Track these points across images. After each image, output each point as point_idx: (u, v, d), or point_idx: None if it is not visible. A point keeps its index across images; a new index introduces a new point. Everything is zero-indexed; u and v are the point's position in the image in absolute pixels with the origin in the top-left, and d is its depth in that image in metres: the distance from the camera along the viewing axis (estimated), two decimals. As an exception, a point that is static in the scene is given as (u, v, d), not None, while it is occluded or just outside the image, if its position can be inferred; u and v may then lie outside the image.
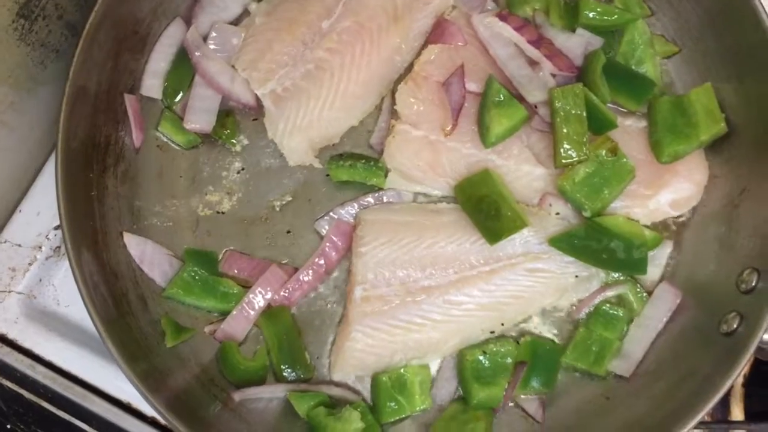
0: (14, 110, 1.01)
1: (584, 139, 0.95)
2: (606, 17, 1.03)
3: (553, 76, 1.01)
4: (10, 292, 1.05)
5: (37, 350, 1.03)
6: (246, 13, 1.06)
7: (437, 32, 1.04)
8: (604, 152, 0.95)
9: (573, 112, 0.96)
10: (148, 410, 1.00)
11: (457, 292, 0.96)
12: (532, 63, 1.02)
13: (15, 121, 1.02)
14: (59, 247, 1.06)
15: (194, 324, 0.99)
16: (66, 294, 1.06)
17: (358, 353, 0.95)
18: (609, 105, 1.01)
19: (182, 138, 1.03)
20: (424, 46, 1.05)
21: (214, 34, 1.04)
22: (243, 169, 1.04)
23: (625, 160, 0.96)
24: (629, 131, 1.01)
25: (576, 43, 1.03)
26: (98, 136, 0.97)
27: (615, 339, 0.96)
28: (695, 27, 1.03)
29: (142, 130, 1.02)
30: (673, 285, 0.98)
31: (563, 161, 0.95)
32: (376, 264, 0.96)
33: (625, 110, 1.03)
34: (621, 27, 1.04)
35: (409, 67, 1.04)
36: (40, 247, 1.07)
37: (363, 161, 1.01)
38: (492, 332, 0.98)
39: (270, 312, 0.98)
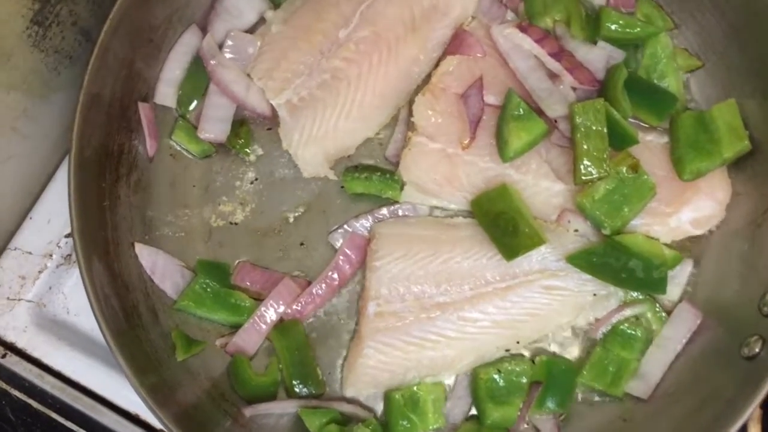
0: (27, 117, 1.00)
1: (605, 156, 0.93)
2: (628, 30, 1.01)
3: (574, 89, 0.99)
4: (19, 300, 1.04)
5: (46, 360, 1.02)
6: (262, 20, 1.05)
7: (456, 43, 1.03)
8: (624, 169, 0.93)
9: (593, 128, 0.94)
10: (157, 422, 0.97)
11: (472, 308, 0.95)
12: (553, 76, 1.00)
13: (28, 128, 1.02)
14: (70, 255, 1.05)
15: (205, 337, 0.98)
16: (76, 303, 1.05)
17: (371, 370, 0.94)
18: (630, 120, 0.99)
19: (196, 147, 1.02)
20: (442, 57, 1.03)
21: (229, 42, 1.02)
22: (257, 179, 1.03)
23: (646, 177, 0.94)
24: (650, 147, 0.99)
25: (597, 56, 1.01)
26: (111, 145, 0.96)
27: (633, 359, 0.95)
28: (719, 41, 1.01)
29: (156, 138, 1.01)
30: (693, 305, 0.96)
31: (583, 178, 0.93)
32: (390, 279, 0.95)
33: (646, 125, 1.01)
34: (643, 40, 1.02)
35: (427, 79, 1.03)
36: (51, 255, 1.05)
37: (378, 174, 1.00)
38: (507, 350, 0.96)
39: (282, 326, 0.97)
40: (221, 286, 0.98)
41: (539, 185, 0.98)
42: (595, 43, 1.02)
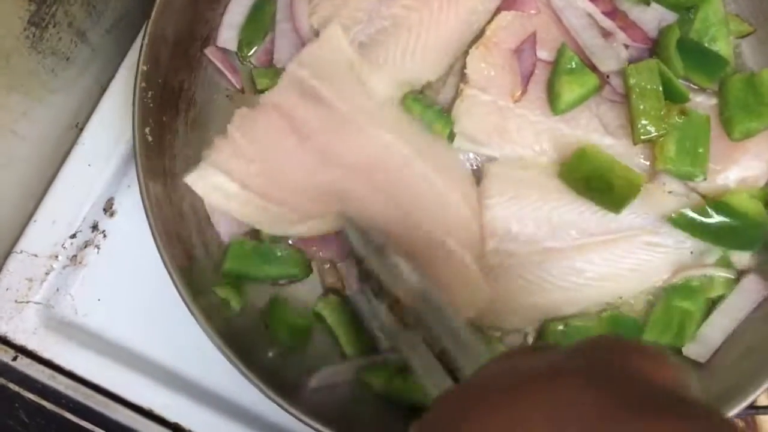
0: (26, 119, 1.00)
1: (662, 113, 0.94)
2: (682, -7, 1.02)
3: (626, 47, 1.01)
4: (27, 302, 1.04)
5: (58, 360, 1.02)
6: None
7: (510, 0, 1.04)
8: (676, 117, 0.95)
9: (648, 87, 0.95)
10: (171, 416, 1.00)
11: (578, 257, 0.96)
12: (606, 34, 1.01)
13: (27, 130, 1.01)
14: (75, 255, 1.06)
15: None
16: (84, 303, 1.05)
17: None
18: (682, 81, 1.00)
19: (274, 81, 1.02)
20: (496, 13, 1.05)
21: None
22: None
23: (695, 113, 0.96)
24: (700, 108, 1.00)
25: (651, 17, 1.02)
26: (172, 81, 0.98)
27: (696, 310, 0.95)
28: (772, 8, 1.02)
29: (237, 72, 1.04)
30: (761, 276, 0.96)
31: (641, 137, 0.94)
32: (504, 218, 0.96)
33: (696, 87, 1.02)
34: (695, 4, 1.03)
35: (480, 34, 1.04)
36: (57, 257, 1.05)
37: (438, 107, 1.02)
38: (610, 306, 0.97)
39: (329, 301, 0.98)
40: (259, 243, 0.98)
41: (589, 139, 0.99)
42: (648, 5, 1.03)
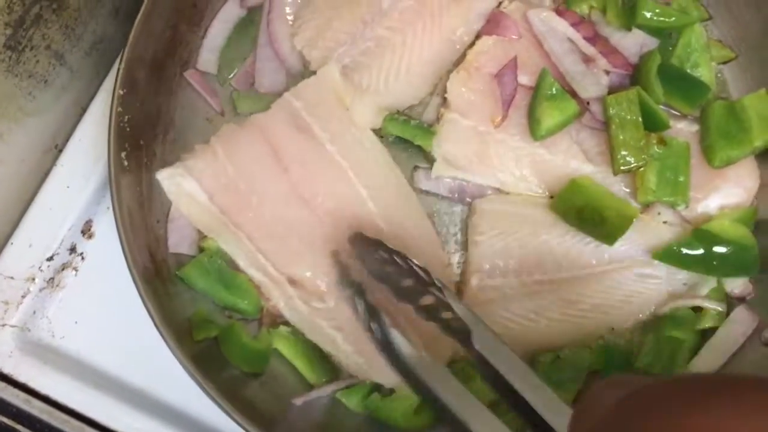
0: (3, 142, 0.99)
1: (641, 144, 0.94)
2: (664, 18, 1.01)
3: (607, 73, 1.00)
4: (3, 325, 1.02)
5: (32, 384, 1.00)
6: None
7: (492, 24, 1.04)
8: (655, 147, 0.95)
9: (628, 117, 0.95)
10: None
11: (570, 290, 0.95)
12: (587, 60, 1.01)
13: (3, 153, 1.00)
14: (53, 278, 1.05)
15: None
16: (60, 326, 1.04)
17: None
18: (663, 107, 1.00)
19: (259, 105, 1.02)
20: (478, 37, 1.04)
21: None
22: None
23: (675, 141, 0.96)
24: (681, 134, 1.00)
25: (632, 42, 1.02)
26: (151, 104, 0.98)
27: (687, 339, 0.94)
28: (754, 35, 1.02)
29: (217, 96, 1.04)
30: (750, 309, 0.95)
31: (622, 168, 0.94)
32: (492, 254, 0.95)
33: (677, 113, 1.02)
34: (678, 30, 1.03)
35: (462, 57, 1.04)
36: (34, 279, 1.04)
37: (417, 121, 1.02)
38: (601, 337, 0.96)
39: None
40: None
41: (569, 165, 0.99)
42: (629, 30, 1.03)
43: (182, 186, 0.95)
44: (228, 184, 0.95)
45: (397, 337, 0.78)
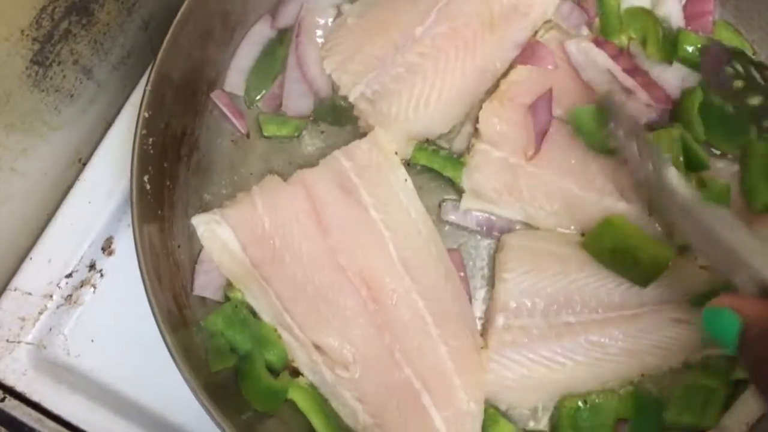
0: (26, 157, 0.98)
1: None
2: (707, 53, 0.98)
3: (647, 106, 0.97)
4: (19, 342, 1.01)
5: (46, 404, 0.99)
6: (338, 13, 1.05)
7: (527, 53, 1.01)
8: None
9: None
10: None
11: (600, 332, 0.91)
12: (627, 92, 0.98)
13: (26, 167, 0.99)
14: (70, 295, 1.04)
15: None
16: (77, 344, 1.03)
17: (493, 386, 0.91)
18: (702, 145, 0.96)
19: (287, 129, 1.01)
20: (512, 66, 1.02)
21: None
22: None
23: (715, 182, 0.93)
24: (721, 174, 0.96)
25: (672, 76, 0.99)
26: (176, 126, 0.96)
27: (720, 388, 0.90)
28: (801, 71, 0.98)
29: (243, 117, 1.02)
30: None
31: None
32: (519, 292, 0.92)
33: (717, 152, 0.98)
34: (721, 65, 0.99)
35: (496, 85, 1.01)
36: (51, 296, 1.02)
37: (446, 151, 0.99)
38: (631, 383, 0.92)
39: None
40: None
41: (602, 202, 0.95)
42: (670, 64, 1.00)
43: (216, 233, 0.92)
44: (263, 237, 0.92)
45: (675, 175, 0.77)
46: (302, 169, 0.96)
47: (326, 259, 0.91)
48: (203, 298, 0.95)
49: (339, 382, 0.89)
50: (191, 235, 0.97)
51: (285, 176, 0.98)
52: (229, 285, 0.95)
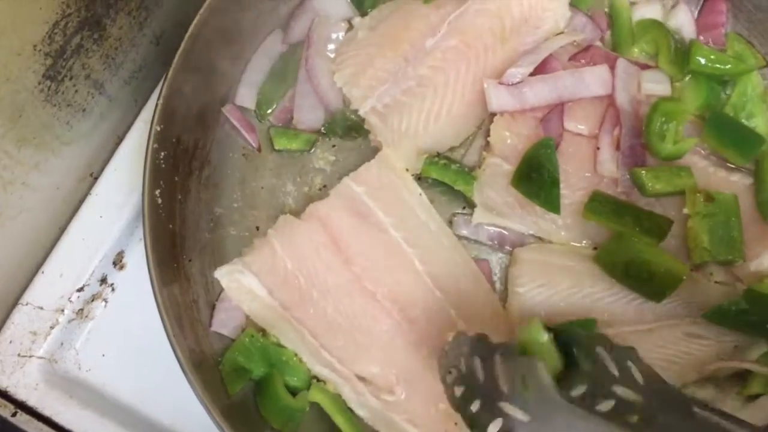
0: (38, 171, 0.98)
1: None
2: (719, 65, 0.98)
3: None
4: (30, 356, 1.01)
5: (57, 419, 0.99)
6: (349, 27, 1.05)
7: (539, 67, 1.01)
8: (702, 204, 0.90)
9: None
10: None
11: None
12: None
13: (38, 181, 0.99)
14: (81, 309, 1.03)
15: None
16: (88, 358, 1.03)
17: None
18: (714, 158, 0.97)
19: (298, 142, 1.01)
20: (523, 79, 1.01)
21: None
22: (324, 186, 1.02)
23: (721, 195, 0.92)
24: (735, 187, 0.96)
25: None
26: (187, 140, 0.96)
27: None
28: (815, 84, 0.98)
29: (255, 131, 1.02)
30: None
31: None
32: (532, 306, 0.91)
33: (732, 165, 0.98)
34: (733, 77, 0.99)
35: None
36: (63, 310, 1.02)
37: (457, 165, 0.99)
38: None
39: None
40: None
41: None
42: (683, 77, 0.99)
43: (241, 282, 0.91)
44: (287, 278, 0.91)
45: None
46: (314, 203, 0.95)
47: (353, 287, 0.91)
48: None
49: (387, 407, 0.88)
50: (202, 248, 0.97)
51: (297, 193, 0.98)
52: (249, 326, 0.94)
